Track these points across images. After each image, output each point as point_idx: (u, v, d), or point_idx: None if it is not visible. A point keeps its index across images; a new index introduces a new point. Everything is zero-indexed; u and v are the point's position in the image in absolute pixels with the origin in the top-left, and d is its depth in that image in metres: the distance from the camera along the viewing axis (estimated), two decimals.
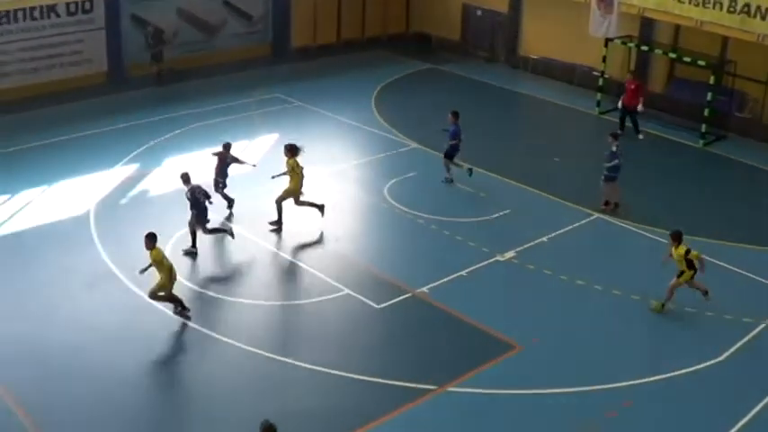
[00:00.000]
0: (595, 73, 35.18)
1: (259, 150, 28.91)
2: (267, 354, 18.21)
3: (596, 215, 24.68)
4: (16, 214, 24.38)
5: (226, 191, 24.45)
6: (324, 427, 16.25)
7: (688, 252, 19.73)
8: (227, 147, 24.42)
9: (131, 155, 28.38)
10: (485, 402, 17.00)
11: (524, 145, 30.86)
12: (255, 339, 18.71)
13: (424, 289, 20.73)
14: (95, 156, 28.04)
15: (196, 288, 20.64)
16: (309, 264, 21.79)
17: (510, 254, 22.46)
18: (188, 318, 19.41)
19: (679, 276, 20.00)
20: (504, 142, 30.87)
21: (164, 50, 36.22)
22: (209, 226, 22.34)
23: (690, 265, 19.87)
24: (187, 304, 19.55)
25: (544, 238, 23.07)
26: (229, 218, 24.13)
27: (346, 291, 20.49)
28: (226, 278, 21.46)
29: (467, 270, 21.64)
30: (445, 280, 21.15)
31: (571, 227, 24.02)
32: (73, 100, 33.33)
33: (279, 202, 23.50)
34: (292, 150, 23.53)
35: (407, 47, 42.28)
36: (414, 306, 20.17)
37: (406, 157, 28.82)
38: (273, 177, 23.82)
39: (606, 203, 25.08)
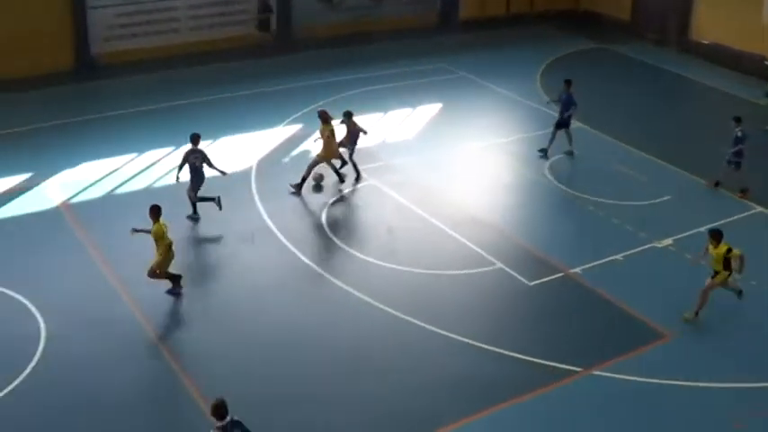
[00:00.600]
0: (767, 62, 34.11)
1: (421, 119, 29.04)
2: (418, 322, 18.37)
3: (759, 208, 23.89)
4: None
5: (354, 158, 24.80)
6: (467, 398, 16.31)
7: (729, 251, 18.62)
8: (348, 115, 24.62)
9: (295, 115, 28.95)
10: (628, 390, 16.74)
11: (689, 132, 30.06)
12: (407, 306, 18.87)
13: (578, 270, 20.53)
14: (261, 114, 28.71)
15: (353, 252, 20.93)
16: (464, 235, 21.81)
17: (667, 241, 22.00)
18: (178, 295, 19.13)
19: (714, 277, 18.76)
20: (668, 127, 30.11)
21: (270, 19, 36.02)
22: (199, 194, 22.36)
23: (726, 265, 18.71)
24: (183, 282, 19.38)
25: (702, 228, 22.50)
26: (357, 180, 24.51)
27: (499, 265, 20.47)
28: (382, 244, 21.65)
29: (622, 254, 21.30)
30: (599, 262, 20.88)
31: (731, 218, 23.29)
32: (241, 59, 34.13)
33: (312, 167, 23.72)
34: (325, 117, 23.83)
35: (576, 24, 41.64)
36: (565, 286, 20.01)
37: None
38: (315, 141, 24.48)
39: (743, 191, 24.37)
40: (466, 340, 17.83)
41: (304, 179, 23.77)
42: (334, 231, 21.68)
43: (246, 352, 17.50)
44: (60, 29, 32.76)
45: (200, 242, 21.66)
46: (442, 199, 23.65)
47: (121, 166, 25.29)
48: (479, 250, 21.12)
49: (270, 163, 25.62)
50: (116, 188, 24.07)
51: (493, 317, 18.95)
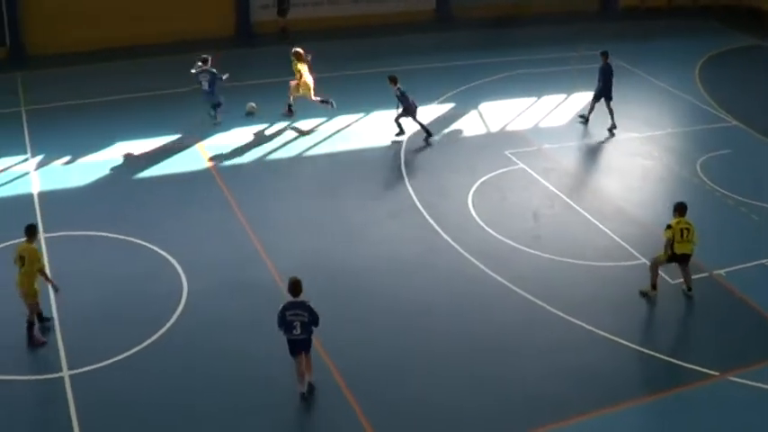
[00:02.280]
0: None
1: (574, 107, 28.86)
2: (553, 309, 18.36)
3: None
4: (332, 137, 25.75)
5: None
6: (597, 390, 16.24)
7: (669, 227, 18.39)
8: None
9: (449, 94, 29.15)
10: (764, 398, 16.43)
11: None
12: (544, 293, 18.87)
13: (722, 272, 20.14)
14: (413, 90, 28.92)
15: (496, 234, 21.06)
16: (609, 227, 21.63)
17: None
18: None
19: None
20: None
21: (288, 8, 35.68)
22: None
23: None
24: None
25: None
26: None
27: (642, 260, 20.24)
28: (526, 229, 21.59)
29: None
30: (746, 266, 20.39)
31: None
32: (398, 33, 34.44)
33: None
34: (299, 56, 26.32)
35: (739, 19, 40.48)
36: (708, 287, 19.65)
37: (724, 133, 27.80)
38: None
39: None
40: (601, 332, 17.74)
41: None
42: (479, 212, 21.80)
43: (379, 322, 17.81)
44: None
45: (347, 208, 22.08)
46: (590, 188, 23.52)
47: (274, 132, 25.95)
48: (623, 243, 20.94)
49: (421, 139, 25.89)
50: (267, 155, 24.75)
51: (630, 312, 18.75)
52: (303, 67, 26.62)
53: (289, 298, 15.11)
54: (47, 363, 16.42)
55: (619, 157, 25.24)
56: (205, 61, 26.00)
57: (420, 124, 25.78)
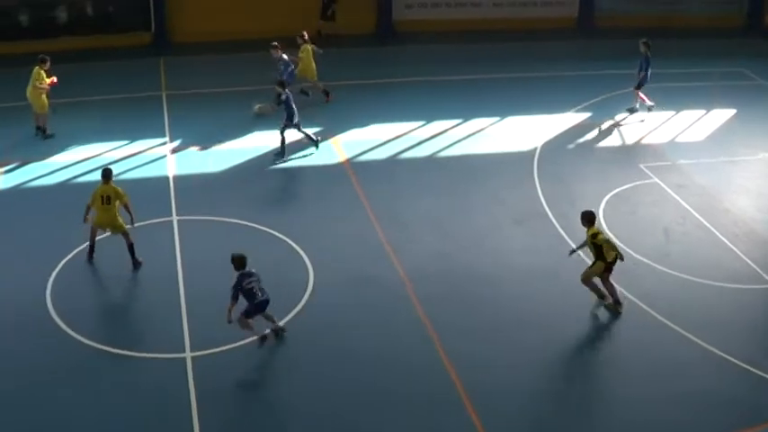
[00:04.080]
0: None
1: (712, 123, 28.17)
2: (677, 328, 17.91)
3: None
4: (466, 139, 25.71)
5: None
6: (718, 415, 15.80)
7: (595, 236, 17.65)
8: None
9: (586, 103, 28.79)
10: None
11: None
12: (668, 311, 18.43)
13: None
14: (551, 98, 28.75)
15: (624, 248, 20.62)
16: (741, 248, 20.94)
17: None
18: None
19: (591, 266, 17.99)
20: None
21: (335, 10, 34.94)
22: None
23: (599, 253, 17.72)
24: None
25: None
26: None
27: None
28: (656, 245, 21.08)
29: None
30: None
31: None
32: (538, 40, 34.19)
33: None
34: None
35: None
36: None
37: None
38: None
39: None
40: (726, 356, 17.22)
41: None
42: (610, 225, 21.45)
43: (503, 334, 17.58)
44: None
45: (476, 212, 22.01)
46: (723, 207, 22.88)
47: (408, 132, 26.06)
48: (755, 266, 20.32)
49: (554, 147, 25.68)
50: (400, 153, 24.85)
51: (757, 336, 18.23)
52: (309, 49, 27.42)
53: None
54: (171, 343, 16.86)
55: (755, 177, 24.51)
56: (276, 48, 26.50)
57: (304, 133, 24.98)
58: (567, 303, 18.61)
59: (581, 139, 26.36)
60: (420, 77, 29.75)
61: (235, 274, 16.22)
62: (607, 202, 22.50)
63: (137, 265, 19.08)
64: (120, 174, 23.18)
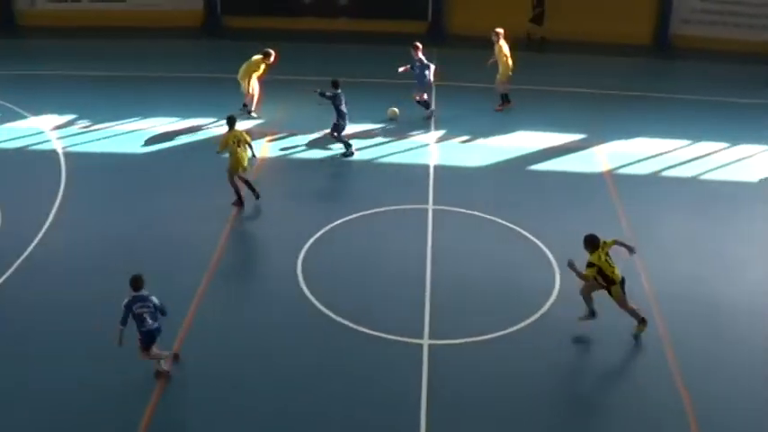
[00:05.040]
0: None
1: None
2: None
3: None
4: (733, 164, 24.68)
5: None
6: None
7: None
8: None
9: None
10: None
11: None
12: None
13: None
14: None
15: None
16: None
17: None
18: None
19: (610, 294, 16.69)
20: None
21: (542, 14, 33.46)
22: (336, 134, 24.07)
23: (605, 277, 16.48)
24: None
25: None
26: None
27: None
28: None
29: None
30: None
31: None
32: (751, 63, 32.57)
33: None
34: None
35: None
36: None
37: None
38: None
39: None
40: None
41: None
42: None
43: (740, 363, 16.71)
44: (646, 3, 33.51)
45: (732, 243, 20.96)
46: None
47: (673, 149, 25.30)
48: None
49: None
50: (663, 170, 24.15)
51: None
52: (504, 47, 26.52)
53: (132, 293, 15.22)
54: (411, 328, 17.15)
55: None
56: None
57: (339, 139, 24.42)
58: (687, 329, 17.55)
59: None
60: (692, 95, 28.82)
61: (128, 296, 15.30)
62: None
63: (258, 195, 21.57)
64: (382, 156, 24.01)
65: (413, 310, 17.58)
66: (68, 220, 21.11)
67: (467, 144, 25.08)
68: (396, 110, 26.40)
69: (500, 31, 26.53)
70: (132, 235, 20.52)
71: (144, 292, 15.25)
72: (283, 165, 24.03)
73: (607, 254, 16.66)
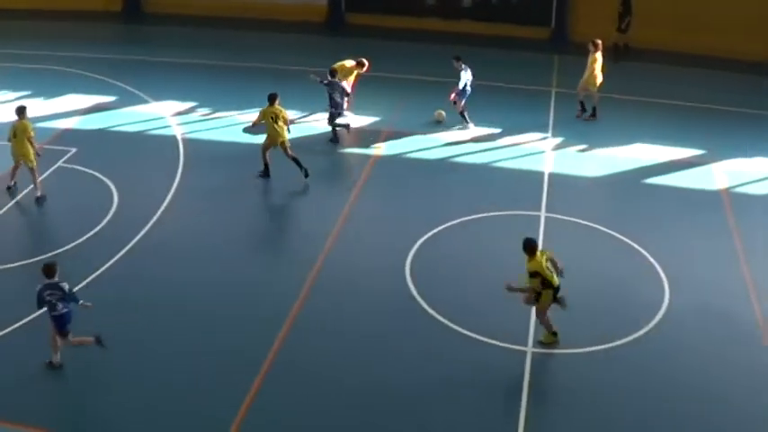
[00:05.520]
0: None
1: None
2: None
3: None
4: None
5: None
6: None
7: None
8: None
9: None
10: None
11: None
12: None
13: None
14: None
15: None
16: None
17: None
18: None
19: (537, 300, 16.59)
20: None
21: (630, 22, 32.46)
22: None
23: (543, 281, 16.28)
24: None
25: None
26: None
27: None
28: None
29: None
30: None
31: None
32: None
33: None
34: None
35: None
36: None
37: None
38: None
39: None
40: None
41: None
42: None
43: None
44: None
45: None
46: None
47: None
48: None
49: None
50: None
51: None
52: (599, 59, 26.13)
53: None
54: (515, 334, 17.21)
55: None
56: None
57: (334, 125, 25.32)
58: None
59: None
60: None
61: (41, 283, 15.82)
62: None
63: (307, 173, 22.73)
64: (498, 160, 24.03)
65: (518, 317, 17.56)
66: (182, 206, 21.83)
67: (584, 153, 24.92)
68: (443, 112, 26.44)
69: (598, 42, 26.30)
70: (240, 225, 21.15)
71: (55, 279, 15.75)
72: (397, 163, 24.26)
73: (548, 259, 16.60)
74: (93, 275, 18.80)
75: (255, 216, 21.73)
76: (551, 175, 23.38)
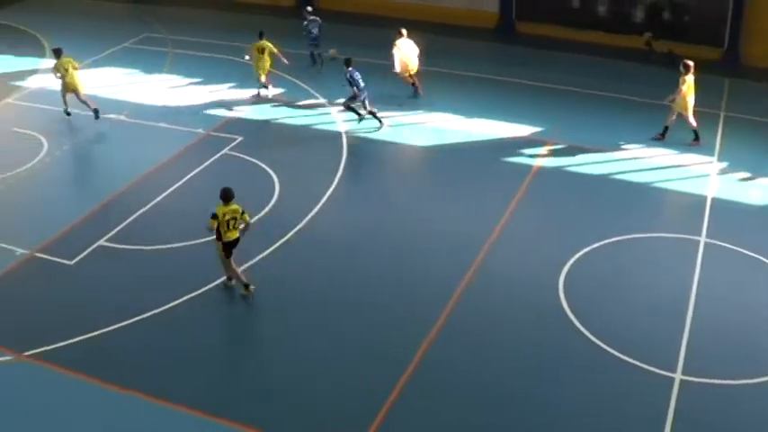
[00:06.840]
0: None
1: None
2: None
3: None
4: None
5: None
6: None
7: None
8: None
9: None
10: None
11: None
12: None
13: None
14: None
15: None
16: None
17: None
18: None
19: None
20: None
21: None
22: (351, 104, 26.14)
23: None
24: None
25: None
26: None
27: None
28: None
29: None
30: None
31: None
32: None
33: None
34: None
35: None
36: None
37: None
38: None
39: None
40: None
41: None
42: None
43: None
44: None
45: None
46: None
47: None
48: None
49: None
50: None
51: None
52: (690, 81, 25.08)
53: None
54: (664, 359, 16.90)
55: None
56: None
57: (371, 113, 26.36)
58: None
59: None
60: None
61: None
62: None
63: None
64: (658, 181, 23.68)
65: (669, 342, 17.27)
66: (340, 202, 22.41)
67: (750, 181, 24.11)
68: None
69: (690, 63, 25.27)
70: (399, 224, 21.47)
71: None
72: (557, 175, 24.13)
73: (234, 218, 17.84)
74: (253, 261, 19.58)
75: (409, 216, 21.89)
76: (714, 200, 22.78)
